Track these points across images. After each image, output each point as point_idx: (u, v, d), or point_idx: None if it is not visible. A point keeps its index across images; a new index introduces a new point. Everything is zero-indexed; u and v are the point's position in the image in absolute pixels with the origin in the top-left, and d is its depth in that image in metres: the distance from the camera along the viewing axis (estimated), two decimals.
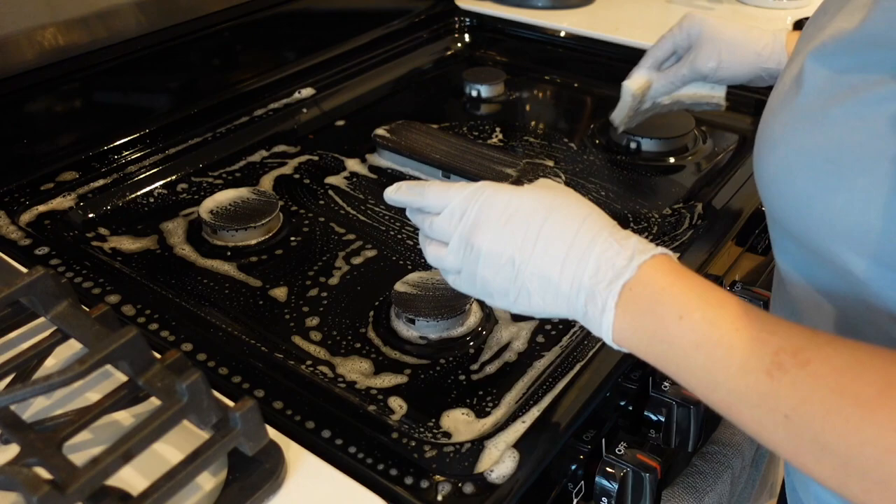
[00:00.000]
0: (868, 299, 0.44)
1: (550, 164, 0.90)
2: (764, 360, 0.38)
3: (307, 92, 1.01)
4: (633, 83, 0.81)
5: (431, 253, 0.53)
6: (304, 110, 1.00)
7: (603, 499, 0.56)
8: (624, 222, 0.79)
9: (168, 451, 0.49)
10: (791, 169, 0.45)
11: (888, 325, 0.44)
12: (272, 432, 0.49)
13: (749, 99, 0.99)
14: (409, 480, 0.48)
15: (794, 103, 0.45)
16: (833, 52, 0.43)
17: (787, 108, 0.46)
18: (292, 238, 0.77)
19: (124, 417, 0.51)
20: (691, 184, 0.86)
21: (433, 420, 0.56)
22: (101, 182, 0.82)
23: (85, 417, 0.44)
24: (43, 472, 0.40)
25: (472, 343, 0.64)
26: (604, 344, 0.60)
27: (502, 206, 0.49)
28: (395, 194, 0.54)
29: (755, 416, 0.39)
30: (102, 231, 0.77)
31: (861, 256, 0.42)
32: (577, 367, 0.58)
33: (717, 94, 0.81)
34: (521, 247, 0.48)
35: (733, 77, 0.78)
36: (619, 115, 0.85)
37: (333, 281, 0.71)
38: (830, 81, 0.43)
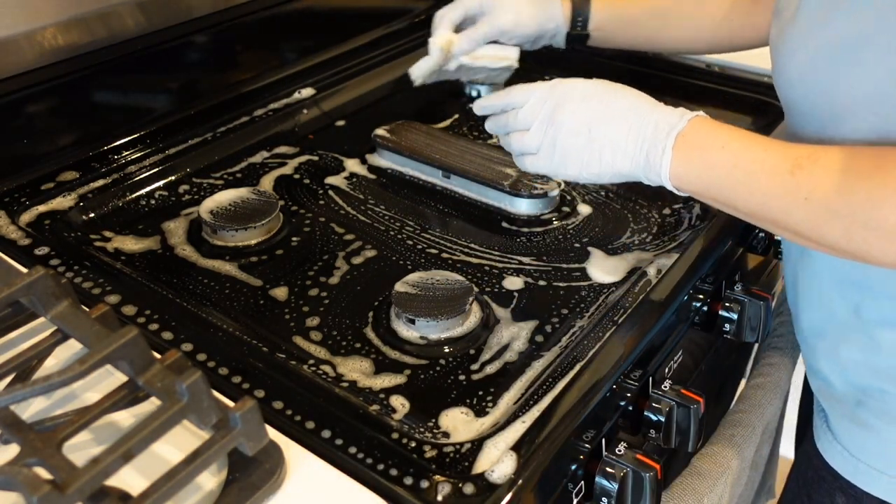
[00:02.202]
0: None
1: None
2: (787, 164, 0.52)
3: (307, 92, 1.01)
4: (439, 39, 0.80)
5: (515, 140, 0.64)
6: (304, 110, 1.00)
7: (603, 499, 0.56)
8: (624, 222, 0.80)
9: (168, 451, 0.49)
10: (813, 65, 0.56)
11: None
12: (272, 432, 0.49)
13: (749, 99, 0.99)
14: (408, 480, 0.48)
15: (801, 14, 0.57)
16: None
17: (797, 19, 0.58)
18: (292, 238, 0.77)
19: (124, 417, 0.51)
20: None
21: (433, 420, 0.56)
22: (101, 182, 0.82)
23: (85, 417, 0.44)
24: (43, 472, 0.40)
25: (472, 343, 0.64)
26: (604, 344, 0.60)
27: (581, 88, 0.62)
28: (484, 102, 0.67)
29: (782, 205, 0.53)
30: (103, 231, 0.77)
31: (880, 121, 0.53)
32: (577, 367, 0.58)
33: (512, 56, 0.82)
34: (596, 116, 0.60)
35: (525, 34, 0.83)
36: (420, 70, 0.82)
37: (333, 281, 0.71)
38: None
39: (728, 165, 0.55)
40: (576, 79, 0.63)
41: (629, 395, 0.60)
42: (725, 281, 0.74)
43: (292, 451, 0.49)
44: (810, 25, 0.57)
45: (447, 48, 0.80)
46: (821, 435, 0.68)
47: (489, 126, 0.67)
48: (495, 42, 0.81)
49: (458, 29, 0.81)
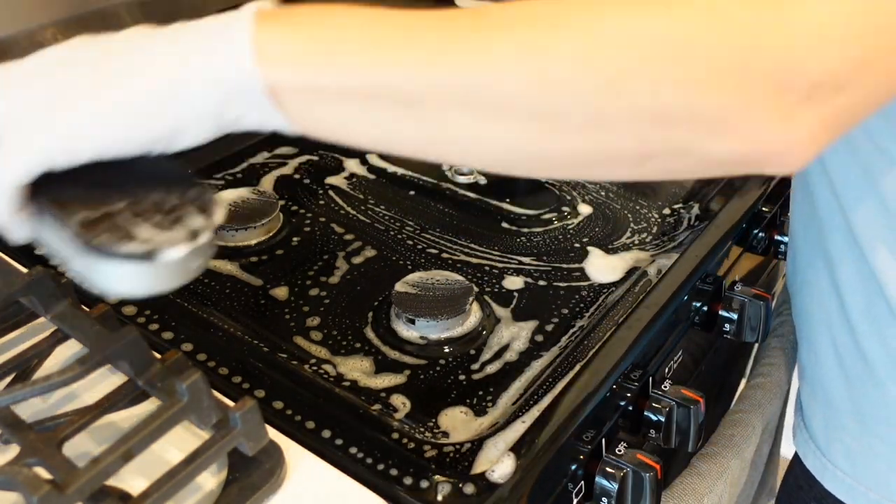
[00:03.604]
0: None
1: None
2: (466, 11, 0.35)
3: None
4: None
5: None
6: None
7: (603, 499, 0.56)
8: (624, 222, 0.80)
9: (168, 451, 0.49)
10: None
11: None
12: (272, 432, 0.49)
13: None
14: (408, 480, 0.48)
15: None
16: None
17: None
18: (293, 238, 0.77)
19: (124, 417, 0.51)
20: (691, 184, 0.86)
21: (433, 420, 0.56)
22: None
23: (85, 417, 0.45)
24: (43, 472, 0.40)
25: (472, 343, 0.64)
26: (604, 344, 0.60)
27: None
28: None
29: (478, 44, 0.33)
30: None
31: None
32: (577, 367, 0.58)
33: None
34: (99, 49, 0.38)
35: None
36: None
37: (334, 280, 0.71)
38: None
39: (368, 15, 0.35)
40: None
41: (629, 395, 0.60)
42: (725, 281, 0.74)
43: (292, 451, 0.49)
44: None
45: None
46: (798, 434, 0.68)
47: None
48: None
49: None
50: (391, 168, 0.90)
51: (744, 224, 0.77)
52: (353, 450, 0.50)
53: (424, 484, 0.48)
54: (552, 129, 0.34)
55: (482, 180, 0.86)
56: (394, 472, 0.49)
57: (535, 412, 0.54)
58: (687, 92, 0.32)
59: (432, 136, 0.36)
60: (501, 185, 0.85)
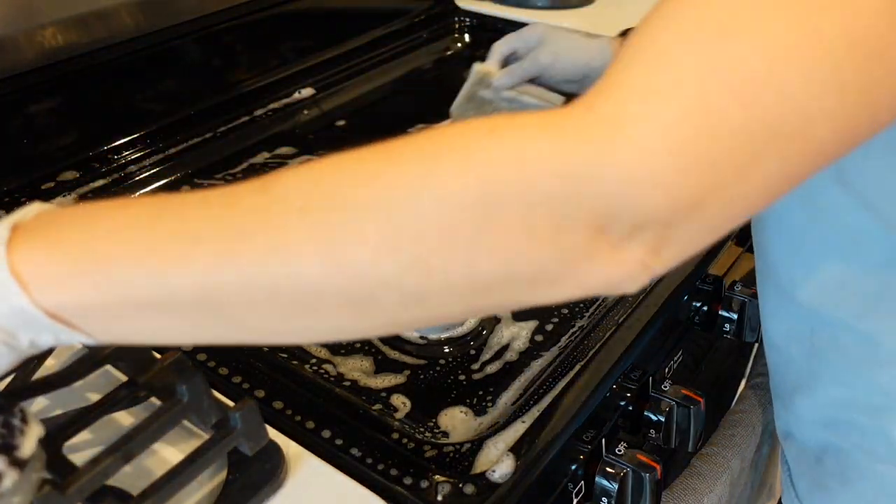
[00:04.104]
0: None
1: None
2: (247, 188, 0.31)
3: (307, 92, 1.01)
4: (479, 66, 0.80)
5: None
6: (305, 110, 1.00)
7: (603, 499, 0.56)
8: None
9: (168, 451, 0.49)
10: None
11: None
12: (272, 432, 0.49)
13: None
14: (408, 480, 0.48)
15: None
16: None
17: None
18: None
19: (124, 417, 0.51)
20: None
21: (433, 420, 0.56)
22: (101, 182, 0.82)
23: (85, 418, 0.44)
24: (43, 473, 0.40)
25: (472, 343, 0.64)
26: (604, 344, 0.60)
27: None
28: None
29: (261, 237, 0.30)
30: None
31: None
32: (577, 367, 0.58)
33: (555, 101, 0.82)
34: None
35: (565, 75, 0.80)
36: (457, 99, 0.82)
37: None
38: None
39: (142, 218, 0.32)
40: None
41: (629, 395, 0.60)
42: (725, 281, 0.74)
43: (292, 451, 0.49)
44: None
45: (482, 76, 0.80)
46: (785, 491, 0.66)
47: None
48: (539, 82, 0.80)
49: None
50: None
51: (744, 225, 0.76)
52: (354, 450, 0.50)
53: (424, 484, 0.48)
54: (368, 313, 0.31)
55: None
56: (394, 471, 0.49)
57: (535, 412, 0.54)
58: (501, 259, 0.29)
59: (244, 334, 0.33)
60: None
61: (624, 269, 0.30)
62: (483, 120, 0.30)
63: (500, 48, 0.80)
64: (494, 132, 0.29)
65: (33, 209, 0.33)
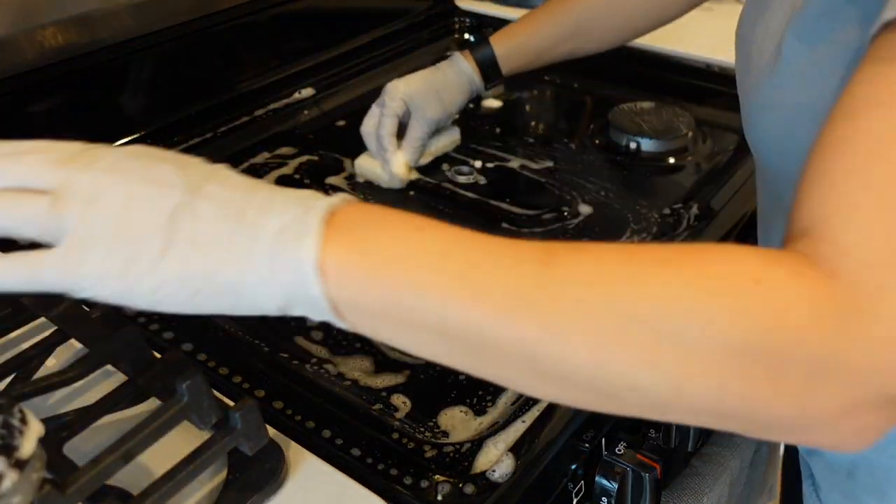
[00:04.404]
0: None
1: (550, 164, 0.90)
2: (534, 254, 0.33)
3: (307, 92, 1.01)
4: (398, 168, 0.84)
5: (14, 203, 0.35)
6: (305, 111, 1.00)
7: (603, 499, 0.56)
8: (624, 222, 0.80)
9: (168, 451, 0.49)
10: (790, 127, 0.47)
11: None
12: (272, 432, 0.49)
13: None
14: (408, 480, 0.48)
15: (777, 71, 0.49)
16: (809, 22, 0.46)
17: (771, 76, 0.49)
18: None
19: (125, 417, 0.51)
20: (691, 184, 0.86)
21: (433, 419, 0.56)
22: None
23: (85, 417, 0.45)
24: (43, 472, 0.40)
25: None
26: None
27: (162, 153, 0.37)
28: None
29: (538, 314, 0.32)
30: None
31: None
32: None
33: (456, 137, 0.92)
34: (188, 182, 0.35)
35: (457, 109, 0.87)
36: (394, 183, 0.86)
37: None
38: (811, 47, 0.46)
39: (434, 252, 0.33)
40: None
41: None
42: None
43: (293, 450, 0.50)
44: (791, 81, 0.48)
45: (407, 171, 0.85)
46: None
47: None
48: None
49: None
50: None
51: (743, 224, 0.77)
52: (354, 450, 0.50)
53: (424, 484, 0.48)
54: (607, 401, 0.34)
55: (482, 180, 0.86)
56: (394, 471, 0.49)
57: (535, 412, 0.54)
58: (747, 402, 0.32)
59: (486, 374, 0.35)
60: (501, 185, 0.85)
61: (859, 436, 0.33)
62: (749, 261, 0.32)
63: (385, 130, 0.83)
64: (761, 284, 0.31)
65: (338, 200, 0.35)
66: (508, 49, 0.85)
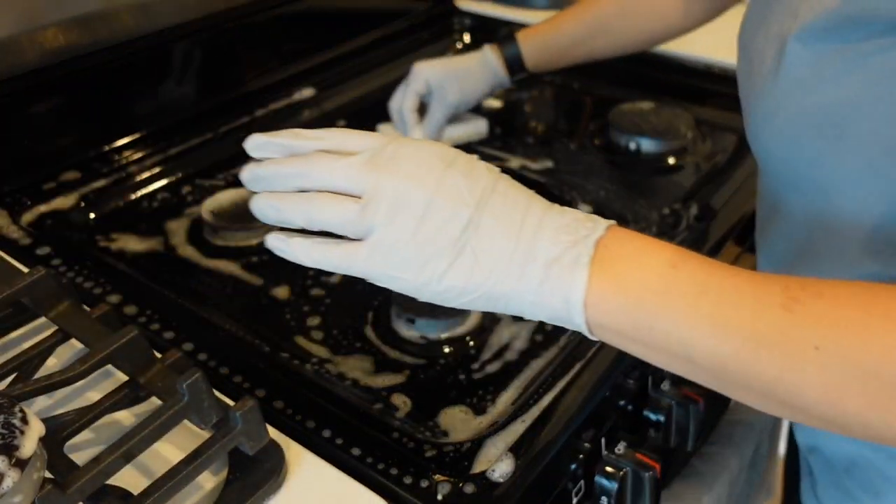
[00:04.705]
0: (879, 246, 0.47)
1: (550, 164, 0.90)
2: (776, 297, 0.36)
3: (307, 92, 1.02)
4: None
5: (330, 207, 0.40)
6: (305, 111, 1.00)
7: (603, 498, 0.56)
8: (624, 222, 0.80)
9: (168, 450, 0.49)
10: (794, 133, 0.48)
11: None
12: (273, 432, 0.49)
13: None
14: (408, 480, 0.49)
15: (780, 77, 0.49)
16: (816, 32, 0.46)
17: (774, 83, 0.49)
18: None
19: (125, 417, 0.51)
20: (691, 184, 0.86)
21: (433, 419, 0.57)
22: (103, 182, 0.82)
23: (86, 417, 0.45)
24: (44, 472, 0.40)
25: (472, 343, 0.64)
26: (603, 343, 0.60)
27: (451, 157, 0.41)
28: (273, 136, 0.43)
29: (778, 357, 0.35)
30: (104, 231, 0.77)
31: (873, 198, 0.46)
32: (577, 366, 0.58)
33: (482, 130, 0.94)
34: (475, 197, 0.39)
35: (477, 98, 0.89)
36: None
37: (334, 280, 0.71)
38: (816, 55, 0.46)
39: (687, 291, 0.37)
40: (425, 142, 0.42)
41: (629, 394, 0.60)
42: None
43: (293, 450, 0.50)
44: (793, 87, 0.48)
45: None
46: (807, 501, 0.65)
47: (268, 168, 0.43)
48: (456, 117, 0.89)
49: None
50: None
51: (743, 224, 0.77)
52: (354, 449, 0.50)
53: (424, 483, 0.48)
54: (842, 430, 0.37)
55: None
56: (394, 471, 0.49)
57: (535, 412, 0.54)
58: None
59: (727, 394, 0.39)
60: None
61: None
62: None
63: (407, 105, 0.87)
64: None
65: (601, 230, 0.39)
66: (533, 44, 0.88)
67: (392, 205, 0.39)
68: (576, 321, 0.39)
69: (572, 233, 0.39)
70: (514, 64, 0.88)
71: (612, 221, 0.41)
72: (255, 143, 0.43)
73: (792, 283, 0.36)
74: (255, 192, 0.44)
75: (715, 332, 0.36)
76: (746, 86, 0.54)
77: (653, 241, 0.40)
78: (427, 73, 0.87)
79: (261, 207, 0.43)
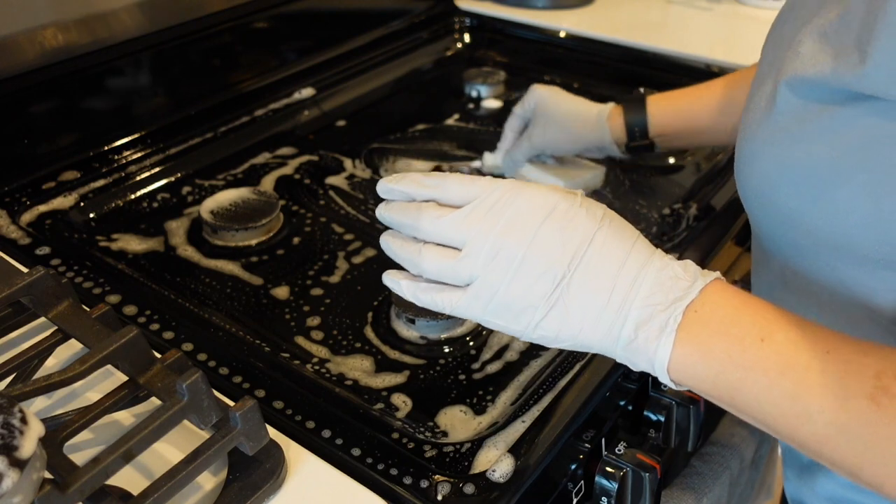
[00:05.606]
0: (862, 301, 0.45)
1: (551, 164, 0.90)
2: (865, 385, 0.35)
3: (307, 92, 1.02)
4: (487, 160, 0.87)
5: (433, 259, 0.43)
6: (305, 111, 1.00)
7: (603, 498, 0.56)
8: None
9: (168, 450, 0.49)
10: (773, 182, 0.47)
11: (890, 327, 0.44)
12: (272, 432, 0.49)
13: None
14: (408, 480, 0.48)
15: (769, 120, 0.47)
16: (806, 85, 0.45)
17: (763, 125, 0.48)
18: (293, 238, 0.77)
19: (125, 417, 0.51)
20: (691, 184, 0.86)
21: (433, 419, 0.57)
22: (102, 182, 0.82)
23: (85, 417, 0.45)
24: (43, 472, 0.40)
25: (472, 343, 0.64)
26: None
27: (549, 206, 0.42)
28: (397, 183, 0.46)
29: (858, 448, 0.35)
30: (104, 231, 0.77)
31: (847, 262, 0.44)
32: (577, 366, 0.58)
33: (596, 179, 0.85)
34: (568, 254, 0.41)
35: (566, 150, 0.82)
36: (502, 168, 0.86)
37: (334, 280, 0.71)
38: (804, 106, 0.45)
39: (770, 368, 0.37)
40: (542, 186, 0.43)
41: (629, 394, 0.60)
42: (725, 280, 0.74)
43: (293, 450, 0.50)
44: (779, 135, 0.46)
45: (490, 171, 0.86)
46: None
47: (389, 214, 0.47)
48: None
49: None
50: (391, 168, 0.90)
51: (743, 224, 0.77)
52: (354, 449, 0.50)
53: (424, 483, 0.48)
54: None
55: None
56: (394, 471, 0.49)
57: (534, 412, 0.54)
58: None
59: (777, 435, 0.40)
60: None
61: None
62: None
63: (513, 125, 0.83)
64: None
65: (695, 292, 0.40)
66: (665, 108, 0.78)
67: (488, 259, 0.42)
68: (662, 379, 0.41)
69: (667, 292, 0.40)
70: (635, 128, 0.78)
71: (715, 275, 0.41)
72: (382, 189, 0.47)
73: (886, 369, 0.35)
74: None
75: (795, 412, 0.37)
76: (743, 118, 0.52)
77: (746, 306, 0.40)
78: (536, 99, 0.80)
79: (385, 246, 0.48)
